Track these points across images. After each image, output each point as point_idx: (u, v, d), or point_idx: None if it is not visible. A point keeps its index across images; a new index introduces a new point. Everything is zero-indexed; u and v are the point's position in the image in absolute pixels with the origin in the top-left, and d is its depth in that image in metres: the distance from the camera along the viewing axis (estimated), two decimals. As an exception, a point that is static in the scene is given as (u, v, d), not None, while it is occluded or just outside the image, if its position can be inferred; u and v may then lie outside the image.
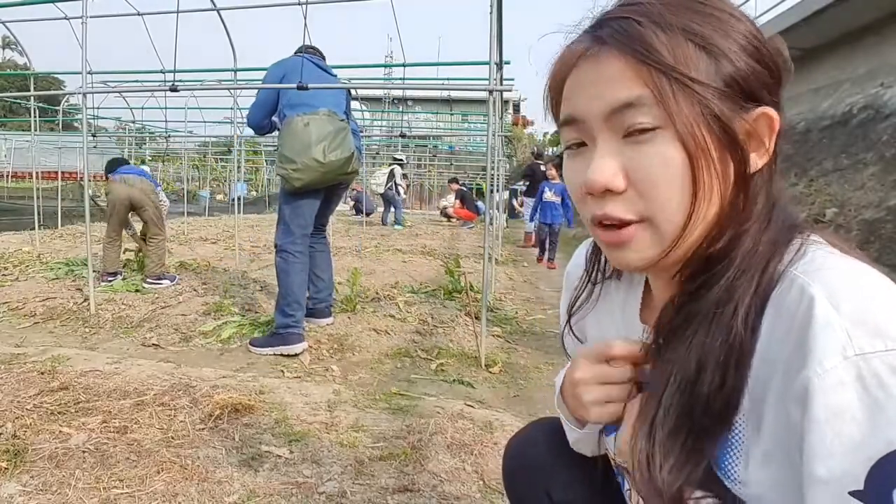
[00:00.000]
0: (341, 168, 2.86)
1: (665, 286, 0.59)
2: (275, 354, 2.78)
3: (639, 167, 0.49)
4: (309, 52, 3.14)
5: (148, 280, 4.04)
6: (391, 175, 11.47)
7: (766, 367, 0.46)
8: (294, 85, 2.80)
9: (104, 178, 4.38)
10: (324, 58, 3.31)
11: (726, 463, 0.49)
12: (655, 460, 0.51)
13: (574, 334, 0.76)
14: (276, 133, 3.10)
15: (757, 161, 0.51)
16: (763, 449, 0.47)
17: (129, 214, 4.30)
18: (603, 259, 0.70)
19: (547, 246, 6.64)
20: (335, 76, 3.30)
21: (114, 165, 4.49)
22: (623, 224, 0.51)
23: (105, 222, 4.30)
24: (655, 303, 0.63)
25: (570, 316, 0.75)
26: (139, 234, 4.49)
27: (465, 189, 13.55)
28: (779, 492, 0.46)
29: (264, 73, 3.13)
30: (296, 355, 2.78)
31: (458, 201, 12.78)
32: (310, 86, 2.80)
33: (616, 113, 0.49)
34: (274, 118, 3.03)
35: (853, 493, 0.39)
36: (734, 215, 0.50)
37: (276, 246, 2.90)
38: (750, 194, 0.50)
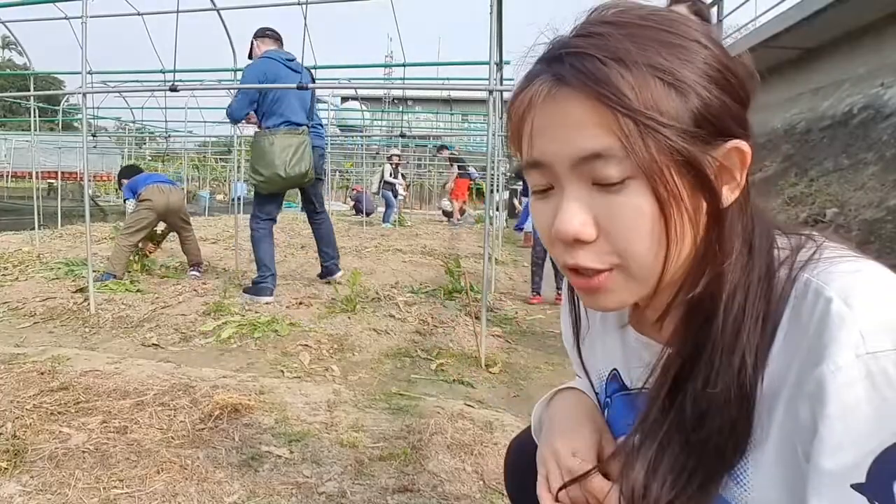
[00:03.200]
0: (300, 179, 3.70)
1: (653, 303, 0.58)
2: (251, 301, 3.61)
3: (609, 217, 0.47)
4: (268, 38, 3.73)
5: (193, 270, 4.59)
6: (381, 174, 11.48)
7: (780, 374, 0.46)
8: (294, 85, 3.22)
9: (118, 183, 4.61)
10: (282, 43, 3.86)
11: (738, 471, 0.50)
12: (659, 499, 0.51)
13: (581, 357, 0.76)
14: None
15: (729, 195, 0.49)
16: (773, 451, 0.47)
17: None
18: None
19: (543, 270, 4.48)
20: (301, 70, 3.70)
21: (132, 172, 4.73)
22: (595, 271, 0.49)
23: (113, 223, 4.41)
24: (643, 311, 0.62)
25: (578, 341, 0.74)
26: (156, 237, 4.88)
27: (460, 159, 13.30)
28: (785, 492, 0.46)
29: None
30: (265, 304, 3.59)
31: (452, 182, 12.57)
32: (309, 85, 3.29)
33: (583, 162, 0.47)
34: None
35: (854, 486, 0.40)
36: (711, 253, 0.50)
37: (250, 226, 3.85)
38: (725, 229, 0.49)
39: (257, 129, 3.65)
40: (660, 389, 0.54)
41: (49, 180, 14.60)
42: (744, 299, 0.48)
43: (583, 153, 0.46)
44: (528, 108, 0.50)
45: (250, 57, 3.93)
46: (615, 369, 0.68)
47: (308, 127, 3.72)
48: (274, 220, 3.88)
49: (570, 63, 0.47)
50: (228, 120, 3.80)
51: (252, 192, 3.90)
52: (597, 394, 0.74)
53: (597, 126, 0.46)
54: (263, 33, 3.82)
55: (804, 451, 0.44)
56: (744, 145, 0.49)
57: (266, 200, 3.83)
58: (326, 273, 4.22)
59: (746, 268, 0.49)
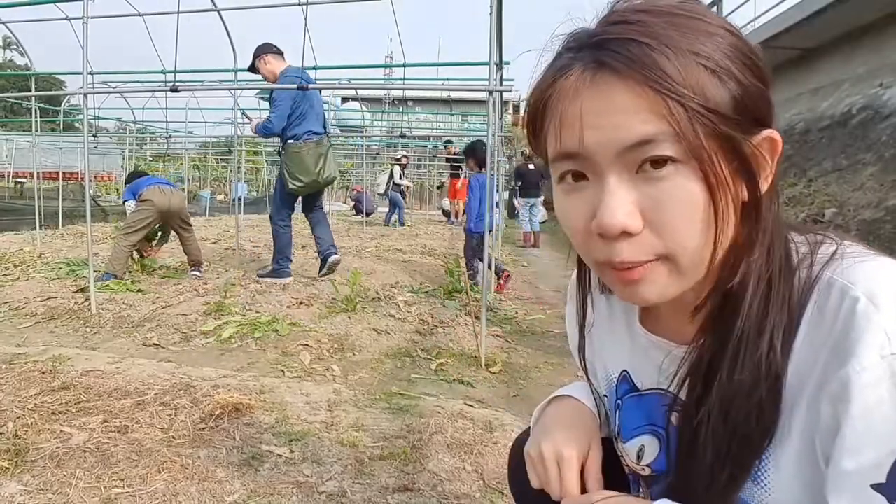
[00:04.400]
0: (328, 182, 4.35)
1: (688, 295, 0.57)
2: (273, 283, 4.12)
3: (657, 205, 0.46)
4: (279, 54, 4.07)
5: (193, 270, 4.57)
6: (390, 175, 11.48)
7: (803, 372, 0.46)
8: (296, 85, 3.47)
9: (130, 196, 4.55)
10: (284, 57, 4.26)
11: (758, 471, 0.50)
12: (697, 489, 0.52)
13: (584, 355, 0.75)
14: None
15: (763, 184, 0.49)
16: (794, 451, 0.47)
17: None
18: (595, 277, 0.68)
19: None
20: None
21: (136, 177, 4.73)
22: (638, 264, 0.48)
23: (123, 227, 4.32)
24: (660, 311, 0.62)
25: (582, 336, 0.74)
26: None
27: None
28: (804, 492, 0.46)
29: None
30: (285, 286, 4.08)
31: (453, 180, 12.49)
32: (309, 86, 3.55)
33: (631, 149, 0.45)
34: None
35: (875, 486, 0.40)
36: (749, 241, 0.49)
37: (271, 218, 4.34)
38: (761, 218, 0.49)
39: (290, 141, 4.05)
40: (690, 385, 0.53)
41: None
42: (768, 285, 0.48)
43: (632, 140, 0.45)
44: (565, 95, 0.48)
45: (252, 69, 4.14)
46: (625, 370, 0.67)
47: (327, 135, 4.24)
48: (292, 213, 4.48)
49: (614, 49, 0.46)
50: (263, 133, 4.13)
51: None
52: (605, 396, 0.73)
53: (646, 111, 0.44)
54: (273, 49, 4.07)
55: (824, 451, 0.44)
56: (776, 134, 0.49)
57: (290, 199, 4.32)
58: (324, 261, 4.24)
59: (771, 256, 0.49)
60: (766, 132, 0.48)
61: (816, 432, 0.44)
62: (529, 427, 0.89)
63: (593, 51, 0.47)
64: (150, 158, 17.79)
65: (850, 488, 0.41)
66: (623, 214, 0.46)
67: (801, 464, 0.46)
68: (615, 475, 0.70)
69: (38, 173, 7.21)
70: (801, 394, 0.46)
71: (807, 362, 0.46)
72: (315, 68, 5.50)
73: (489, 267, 4.36)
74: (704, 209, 0.45)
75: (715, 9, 9.31)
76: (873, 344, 0.41)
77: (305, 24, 3.71)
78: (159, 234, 4.84)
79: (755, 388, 0.47)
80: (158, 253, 4.93)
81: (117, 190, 17.37)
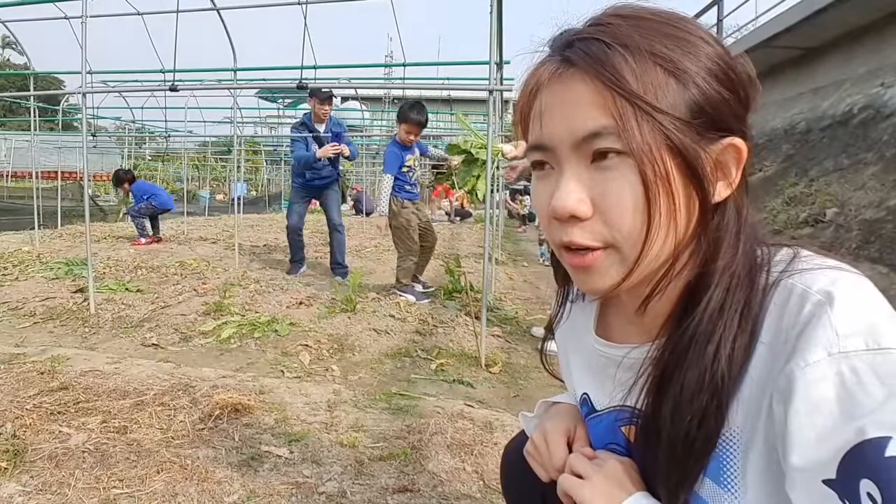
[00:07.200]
0: None
1: (624, 307, 0.60)
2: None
3: (604, 194, 0.48)
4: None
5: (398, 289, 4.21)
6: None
7: (765, 377, 0.47)
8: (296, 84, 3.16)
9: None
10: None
11: (724, 478, 0.50)
12: (657, 490, 0.55)
13: (546, 353, 0.79)
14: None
15: (722, 191, 0.50)
16: (761, 456, 0.47)
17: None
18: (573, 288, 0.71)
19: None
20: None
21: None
22: (588, 249, 0.50)
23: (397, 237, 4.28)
24: (610, 318, 0.65)
25: (551, 332, 0.77)
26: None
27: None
28: (776, 497, 0.46)
29: (264, 72, 3.79)
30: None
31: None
32: (310, 85, 3.35)
33: (583, 142, 0.48)
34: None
35: (826, 482, 0.40)
36: (697, 245, 0.51)
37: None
38: (713, 225, 0.50)
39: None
40: (647, 388, 0.55)
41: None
42: (724, 294, 0.49)
43: (582, 133, 0.48)
44: (536, 88, 0.52)
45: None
46: (585, 394, 0.69)
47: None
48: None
49: (578, 47, 0.49)
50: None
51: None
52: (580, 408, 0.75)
53: (596, 107, 0.47)
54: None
55: (782, 451, 0.44)
56: (740, 142, 0.49)
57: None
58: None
59: (731, 266, 0.50)
60: (729, 140, 0.49)
61: (775, 432, 0.45)
62: (517, 436, 0.89)
63: (563, 49, 0.51)
64: (149, 158, 17.78)
65: (802, 484, 0.42)
66: (573, 201, 0.49)
67: (769, 469, 0.46)
68: None
69: (36, 173, 7.20)
70: (762, 398, 0.46)
71: (768, 367, 0.46)
72: (315, 67, 5.50)
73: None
74: (643, 201, 0.47)
75: (715, 9, 9.32)
76: (821, 342, 0.42)
77: (305, 24, 3.70)
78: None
79: (698, 392, 0.49)
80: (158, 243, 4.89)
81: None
